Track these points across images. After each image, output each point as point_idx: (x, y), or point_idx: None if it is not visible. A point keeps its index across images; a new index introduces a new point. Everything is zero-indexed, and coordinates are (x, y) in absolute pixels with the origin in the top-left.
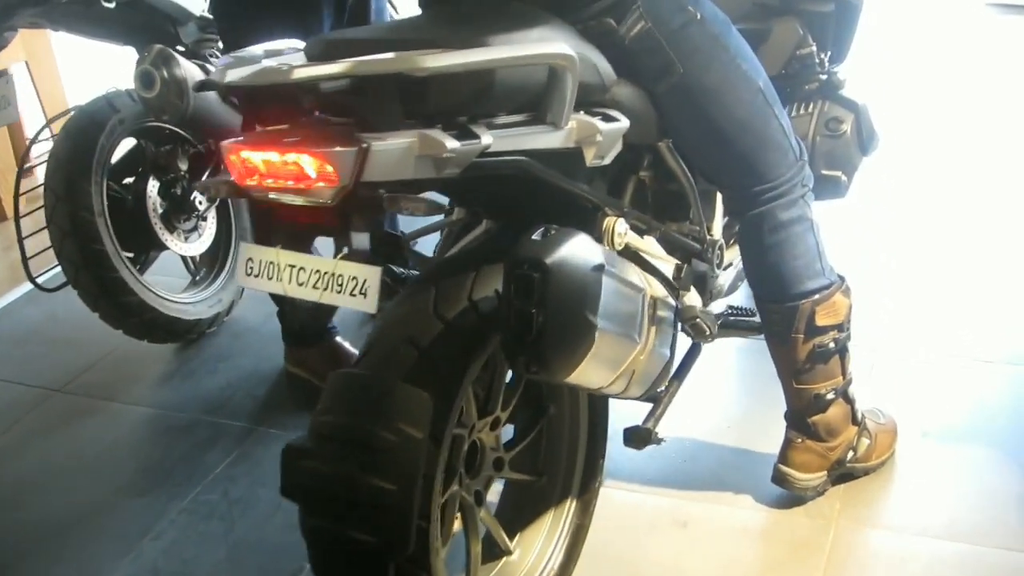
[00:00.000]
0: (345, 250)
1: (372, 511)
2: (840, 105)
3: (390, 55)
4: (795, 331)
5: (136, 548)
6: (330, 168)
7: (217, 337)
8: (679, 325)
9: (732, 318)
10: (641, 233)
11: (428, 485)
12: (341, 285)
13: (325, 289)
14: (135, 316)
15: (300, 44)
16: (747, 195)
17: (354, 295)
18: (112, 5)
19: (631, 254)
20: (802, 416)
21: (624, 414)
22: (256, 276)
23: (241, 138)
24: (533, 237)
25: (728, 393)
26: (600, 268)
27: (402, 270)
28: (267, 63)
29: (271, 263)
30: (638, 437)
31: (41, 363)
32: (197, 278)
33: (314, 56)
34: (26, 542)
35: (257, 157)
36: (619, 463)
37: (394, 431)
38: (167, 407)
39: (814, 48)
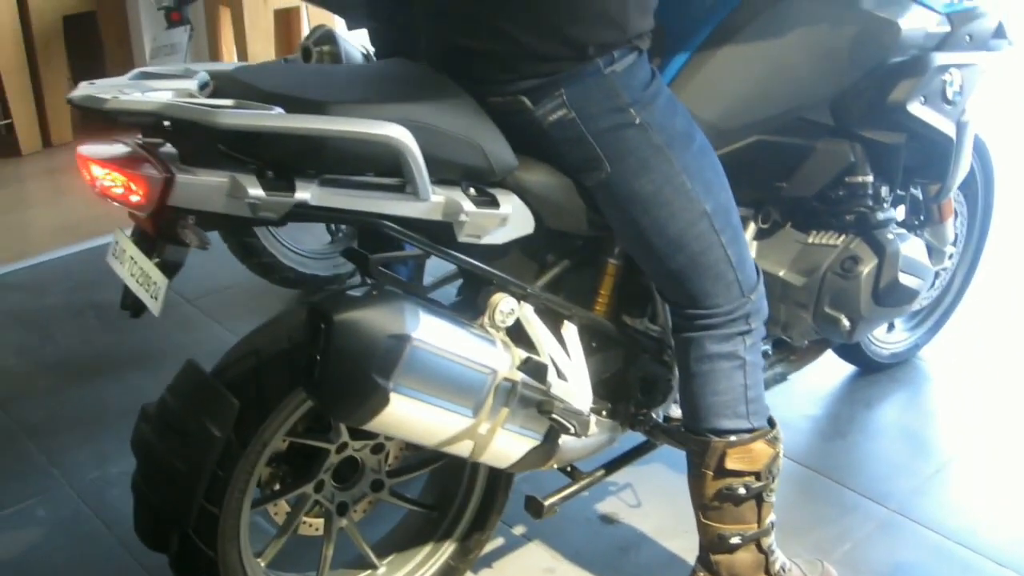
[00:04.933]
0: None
1: (166, 485)
2: (869, 245)
3: (195, 104)
4: (705, 466)
5: None
6: (137, 188)
7: None
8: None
9: (666, 425)
10: (562, 319)
11: (225, 477)
12: (145, 283)
13: (138, 283)
14: (255, 257)
15: (227, 67)
16: (680, 314)
17: (150, 295)
18: None
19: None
20: (707, 551)
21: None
22: (113, 256)
23: (91, 146)
24: (350, 293)
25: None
26: (404, 338)
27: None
28: (92, 89)
29: (122, 249)
30: (533, 506)
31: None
32: (335, 239)
33: (216, 87)
34: None
35: (91, 166)
36: (546, 527)
37: (198, 424)
38: None
39: (870, 179)
